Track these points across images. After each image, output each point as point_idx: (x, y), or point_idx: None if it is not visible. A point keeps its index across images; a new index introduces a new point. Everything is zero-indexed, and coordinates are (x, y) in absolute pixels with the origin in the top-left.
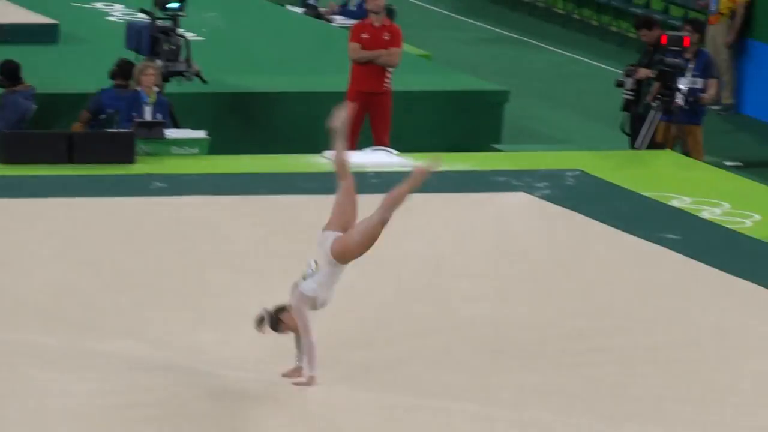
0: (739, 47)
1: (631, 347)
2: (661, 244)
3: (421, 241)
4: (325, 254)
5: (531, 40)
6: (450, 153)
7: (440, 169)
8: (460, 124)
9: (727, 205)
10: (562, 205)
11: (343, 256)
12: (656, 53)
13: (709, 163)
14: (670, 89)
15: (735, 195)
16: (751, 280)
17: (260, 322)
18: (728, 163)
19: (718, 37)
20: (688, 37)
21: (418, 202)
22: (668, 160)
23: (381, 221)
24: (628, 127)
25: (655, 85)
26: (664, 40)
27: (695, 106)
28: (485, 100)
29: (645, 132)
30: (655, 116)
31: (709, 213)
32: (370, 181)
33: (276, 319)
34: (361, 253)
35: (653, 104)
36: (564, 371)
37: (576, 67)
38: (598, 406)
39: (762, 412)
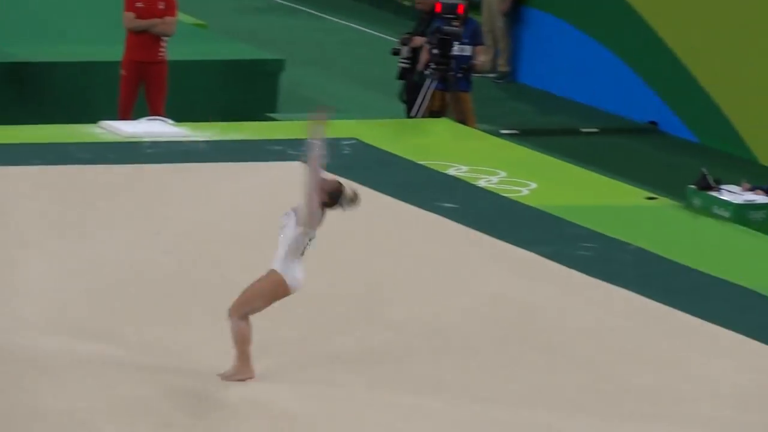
0: (514, 15)
1: (408, 317)
2: (437, 213)
3: (197, 210)
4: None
5: (307, 9)
6: (226, 122)
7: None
8: (235, 93)
9: (503, 174)
10: (338, 174)
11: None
12: (432, 21)
13: (485, 131)
14: (447, 57)
15: (511, 163)
16: (526, 249)
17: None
18: (504, 132)
19: (493, 4)
20: (462, 4)
21: (195, 170)
22: (445, 128)
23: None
24: (406, 96)
25: (423, 53)
26: (438, 8)
27: (467, 73)
28: (260, 69)
29: (421, 100)
30: (431, 84)
31: (485, 181)
32: (146, 152)
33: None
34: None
35: (426, 72)
36: (342, 338)
37: (352, 36)
38: (369, 372)
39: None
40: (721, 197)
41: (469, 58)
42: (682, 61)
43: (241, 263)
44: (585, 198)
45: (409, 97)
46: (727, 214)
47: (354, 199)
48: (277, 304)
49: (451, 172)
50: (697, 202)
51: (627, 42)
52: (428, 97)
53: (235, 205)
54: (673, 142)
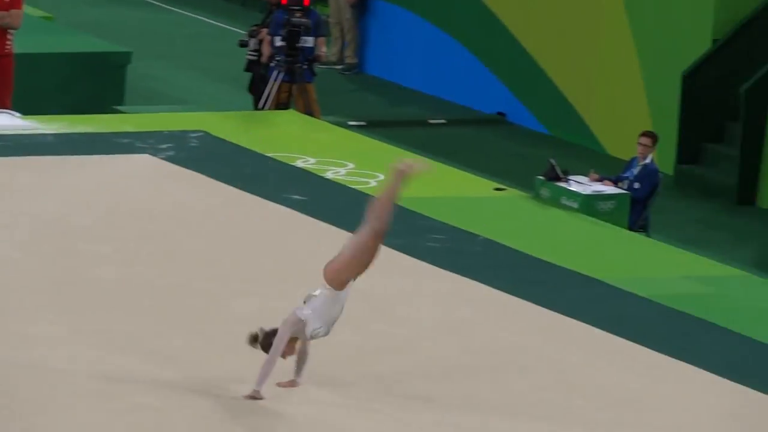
0: (362, 6)
1: (259, 309)
2: (286, 205)
3: (46, 204)
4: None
5: (156, 2)
6: (74, 115)
7: (425, 169)
8: (83, 86)
9: (351, 165)
10: (186, 167)
11: (337, 276)
12: (274, 12)
13: (332, 123)
14: (295, 49)
15: (359, 155)
16: None
17: (254, 339)
18: (352, 123)
19: None
20: None
21: (44, 164)
22: (292, 120)
23: (373, 232)
24: (253, 88)
25: (265, 46)
26: (284, 0)
27: (311, 65)
28: (108, 61)
29: (268, 92)
30: (278, 76)
31: (333, 173)
32: None
33: (268, 342)
34: (357, 272)
35: (272, 64)
36: (187, 332)
37: (200, 28)
38: (210, 368)
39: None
40: (570, 188)
41: (312, 49)
42: (530, 52)
43: (93, 257)
44: (434, 190)
45: (257, 89)
46: (575, 205)
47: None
48: (121, 298)
49: (299, 164)
50: (545, 192)
51: (475, 34)
52: (275, 89)
53: (83, 198)
54: (522, 133)
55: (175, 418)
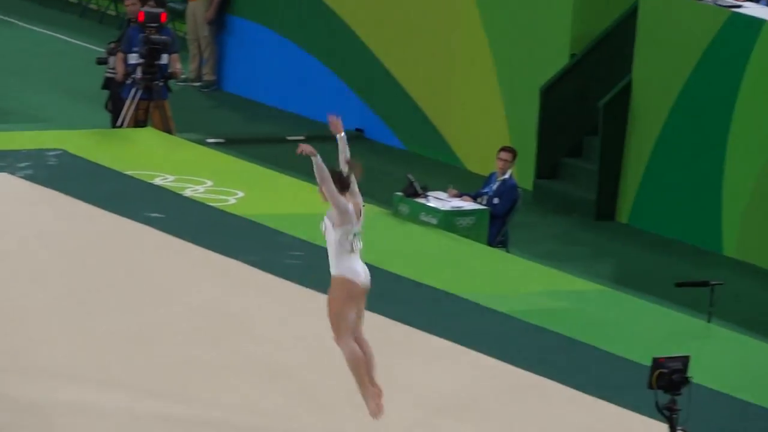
0: (219, 23)
1: (116, 328)
2: (145, 223)
3: None
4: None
5: (12, 20)
6: None
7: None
8: None
9: (210, 183)
10: (45, 186)
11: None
12: (127, 30)
13: (191, 140)
14: (154, 66)
15: (218, 172)
16: (234, 258)
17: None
18: (210, 140)
19: (198, 13)
20: (165, 12)
21: None
22: (151, 137)
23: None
24: (111, 105)
25: (119, 64)
26: (141, 17)
27: (166, 82)
28: None
29: (126, 110)
30: (137, 94)
31: (192, 191)
32: None
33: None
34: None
35: (128, 81)
36: (48, 350)
37: (57, 46)
38: (73, 383)
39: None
40: (429, 204)
41: (167, 66)
42: (388, 68)
43: None
44: (292, 206)
45: (115, 106)
46: (434, 221)
47: (353, 167)
48: None
49: (158, 181)
50: (404, 209)
51: (333, 50)
52: (133, 107)
53: None
54: (380, 149)
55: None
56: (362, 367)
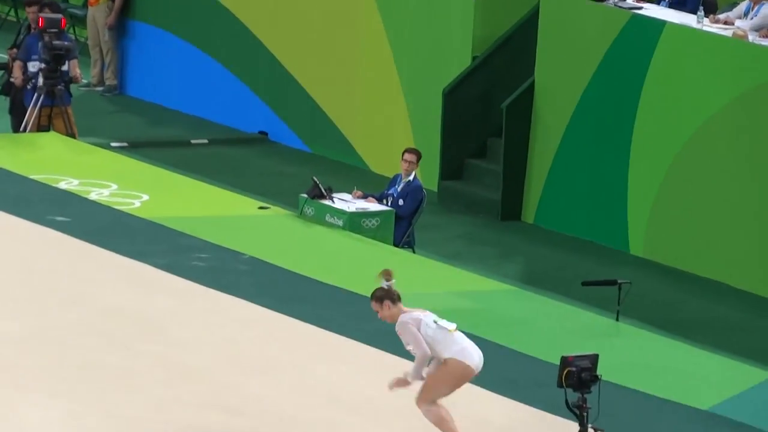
0: (120, 28)
1: (22, 331)
2: (50, 227)
3: None
4: None
5: None
6: None
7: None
8: None
9: (115, 186)
10: None
11: None
12: (23, 36)
13: (94, 144)
14: (57, 72)
15: (123, 176)
16: (141, 261)
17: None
18: (114, 144)
19: (99, 18)
20: (64, 18)
21: None
22: (54, 142)
23: None
24: (11, 110)
25: (16, 69)
26: (41, 23)
27: (68, 86)
28: None
29: (29, 116)
30: (39, 100)
31: (97, 194)
32: None
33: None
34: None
35: (28, 87)
36: None
37: None
38: None
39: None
40: (334, 206)
41: (67, 71)
42: (290, 71)
43: None
44: (198, 209)
45: (16, 111)
46: (340, 223)
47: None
48: None
49: (63, 185)
50: (309, 210)
51: (235, 54)
52: (36, 110)
53: None
54: (284, 152)
55: None
56: (451, 422)
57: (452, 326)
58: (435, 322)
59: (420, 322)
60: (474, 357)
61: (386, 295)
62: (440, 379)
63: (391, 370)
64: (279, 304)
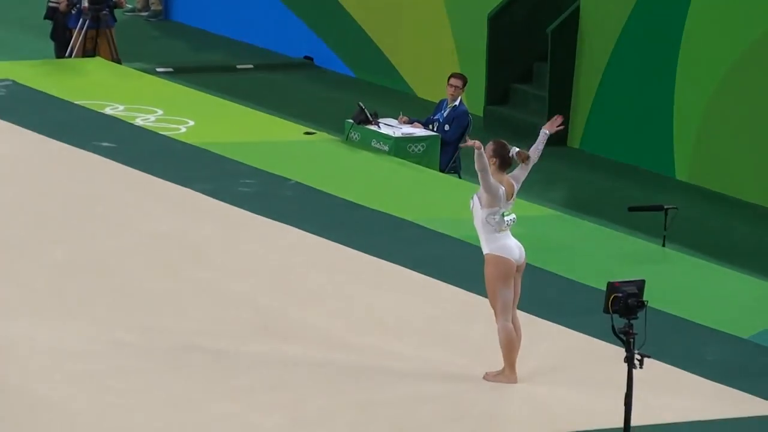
0: None
1: (71, 258)
2: (96, 153)
3: None
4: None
5: None
6: None
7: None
8: None
9: (160, 112)
10: None
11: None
12: None
13: (140, 69)
14: None
15: (168, 101)
16: (187, 186)
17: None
18: (160, 69)
19: None
20: None
21: None
22: (100, 67)
23: None
24: (55, 35)
25: None
26: None
27: (112, 10)
28: None
29: (74, 40)
30: (86, 24)
31: (142, 120)
32: None
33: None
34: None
35: (73, 12)
36: (3, 281)
37: None
38: (33, 312)
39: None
40: (380, 131)
41: None
42: None
43: None
44: (244, 134)
45: (58, 36)
46: (386, 148)
47: (523, 156)
48: None
49: (108, 111)
50: (355, 136)
51: None
52: (82, 36)
53: None
54: (329, 77)
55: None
56: (515, 351)
57: (507, 226)
58: (504, 214)
59: (500, 192)
60: (514, 252)
61: (499, 152)
62: (489, 283)
63: (438, 295)
64: (325, 229)
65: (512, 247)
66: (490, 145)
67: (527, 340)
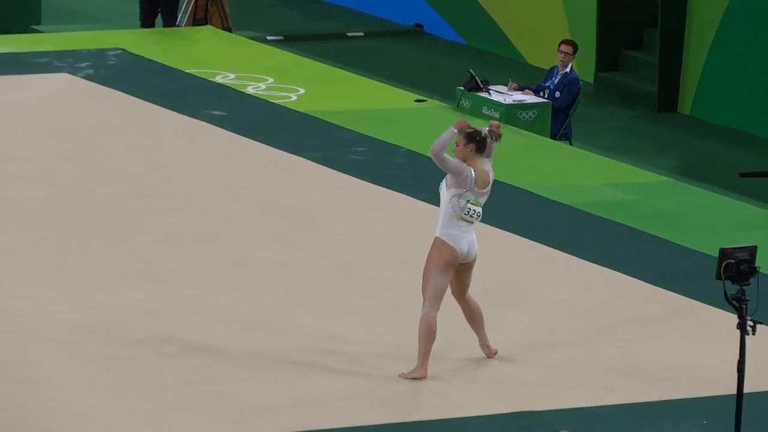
0: None
1: (182, 227)
2: (207, 121)
3: None
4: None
5: None
6: None
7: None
8: None
9: (271, 80)
10: (105, 85)
11: None
12: None
13: (250, 38)
14: None
15: (279, 69)
16: (297, 154)
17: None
18: (270, 38)
19: None
20: None
21: None
22: (210, 36)
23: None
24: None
25: None
26: None
27: None
28: None
29: (185, 8)
30: None
31: (253, 88)
32: None
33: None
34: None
35: None
36: (117, 251)
37: None
38: (147, 282)
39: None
40: (490, 98)
41: None
42: None
43: (16, 177)
44: (354, 102)
45: (144, 3)
46: (497, 115)
47: (494, 134)
48: (46, 217)
49: (219, 79)
50: (466, 103)
51: None
52: (192, 4)
53: (2, 119)
54: (440, 44)
55: (102, 339)
56: (431, 342)
57: (470, 217)
58: (469, 201)
59: (469, 174)
60: (462, 246)
61: (474, 139)
62: (428, 264)
63: (549, 262)
64: (436, 197)
65: (463, 240)
66: (461, 138)
67: (639, 308)
